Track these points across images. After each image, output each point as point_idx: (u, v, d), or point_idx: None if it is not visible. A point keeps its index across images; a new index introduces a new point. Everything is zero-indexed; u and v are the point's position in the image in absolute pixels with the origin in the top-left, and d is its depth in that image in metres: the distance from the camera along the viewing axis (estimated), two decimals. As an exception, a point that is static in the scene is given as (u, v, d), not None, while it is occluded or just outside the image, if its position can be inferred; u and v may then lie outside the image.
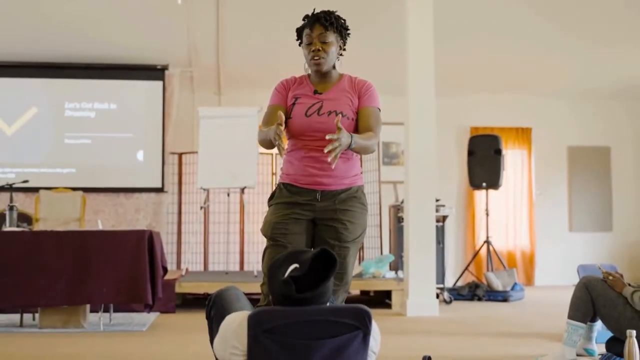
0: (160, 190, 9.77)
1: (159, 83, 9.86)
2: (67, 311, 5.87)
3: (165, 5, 8.22)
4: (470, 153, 9.62)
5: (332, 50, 3.29)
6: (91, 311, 6.22)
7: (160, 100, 9.83)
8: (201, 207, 8.96)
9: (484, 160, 9.46)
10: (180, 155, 9.95)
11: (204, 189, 8.67)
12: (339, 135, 2.89)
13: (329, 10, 3.33)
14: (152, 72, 9.87)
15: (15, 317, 6.40)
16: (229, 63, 9.79)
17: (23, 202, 8.87)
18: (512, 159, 11.16)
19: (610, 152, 11.50)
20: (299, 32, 3.36)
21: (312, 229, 3.30)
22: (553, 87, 11.00)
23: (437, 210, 7.85)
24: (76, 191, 7.96)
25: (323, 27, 3.25)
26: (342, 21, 3.34)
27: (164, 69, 9.88)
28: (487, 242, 9.53)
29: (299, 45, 3.37)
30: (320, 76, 3.34)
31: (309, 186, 3.26)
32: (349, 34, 3.38)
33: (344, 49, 3.39)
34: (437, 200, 7.70)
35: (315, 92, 3.32)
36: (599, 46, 9.50)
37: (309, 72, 3.39)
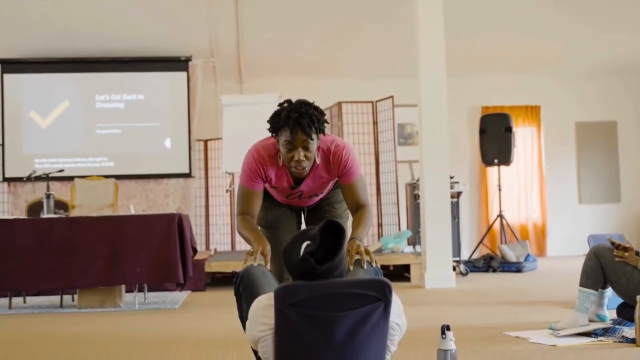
0: (187, 175, 9.80)
1: (183, 74, 9.86)
2: (104, 292, 5.92)
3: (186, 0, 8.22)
4: (482, 131, 9.55)
5: (314, 150, 2.98)
6: (126, 291, 6.27)
7: (185, 90, 9.84)
8: (227, 190, 8.98)
9: (495, 137, 9.39)
10: (205, 141, 9.97)
11: (229, 173, 8.70)
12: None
13: (308, 111, 2.92)
14: (177, 63, 9.88)
15: (55, 299, 6.47)
16: (249, 52, 9.75)
17: (59, 191, 8.94)
18: (522, 135, 11.08)
19: (617, 126, 11.38)
20: (274, 123, 2.97)
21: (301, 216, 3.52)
22: (559, 66, 10.88)
23: (451, 187, 7.80)
24: (109, 178, 7.98)
25: (305, 134, 2.90)
26: (321, 116, 2.97)
27: (187, 60, 9.87)
28: (500, 216, 9.48)
29: (272, 136, 3.03)
30: None
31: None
32: (327, 121, 3.04)
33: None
34: (451, 178, 7.65)
35: (293, 187, 3.23)
36: (598, 27, 9.43)
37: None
